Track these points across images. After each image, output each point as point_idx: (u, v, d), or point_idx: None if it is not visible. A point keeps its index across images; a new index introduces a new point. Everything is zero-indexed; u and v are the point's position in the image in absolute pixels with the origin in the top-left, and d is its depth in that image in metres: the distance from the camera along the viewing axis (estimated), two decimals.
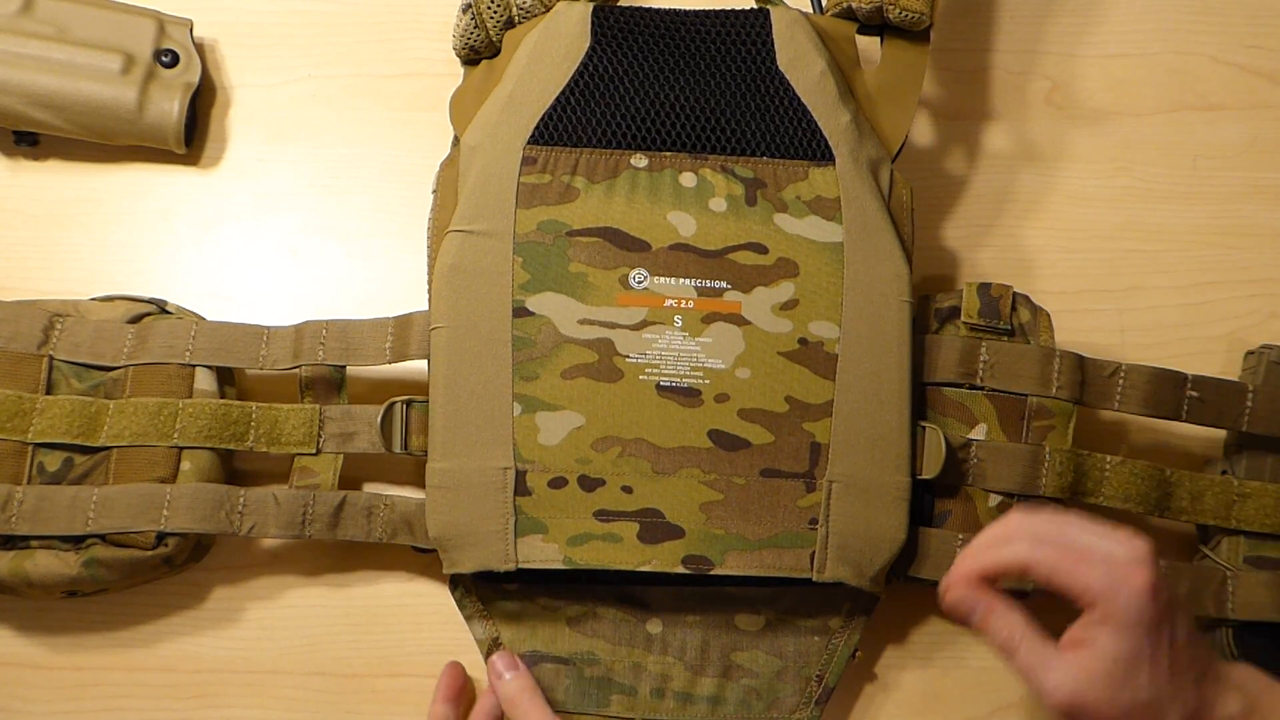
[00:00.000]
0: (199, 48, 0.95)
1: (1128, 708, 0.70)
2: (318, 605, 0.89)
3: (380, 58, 0.99)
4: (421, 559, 0.88)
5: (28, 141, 0.94)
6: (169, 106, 0.92)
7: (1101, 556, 0.71)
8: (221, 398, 0.87)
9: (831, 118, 0.85)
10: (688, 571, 0.80)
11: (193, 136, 0.95)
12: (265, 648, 0.89)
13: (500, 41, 0.88)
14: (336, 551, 0.89)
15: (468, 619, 0.84)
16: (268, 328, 0.87)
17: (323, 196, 0.96)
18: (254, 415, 0.86)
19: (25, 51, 0.90)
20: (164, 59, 0.93)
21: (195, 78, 0.94)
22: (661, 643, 0.84)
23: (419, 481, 0.84)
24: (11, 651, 0.88)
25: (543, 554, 0.80)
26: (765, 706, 0.84)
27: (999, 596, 0.74)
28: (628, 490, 0.81)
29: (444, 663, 0.88)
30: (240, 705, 0.88)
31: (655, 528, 0.81)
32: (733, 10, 0.87)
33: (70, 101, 0.90)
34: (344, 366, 0.87)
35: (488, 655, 0.84)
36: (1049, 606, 0.89)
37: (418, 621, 0.89)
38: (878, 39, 0.89)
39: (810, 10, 0.90)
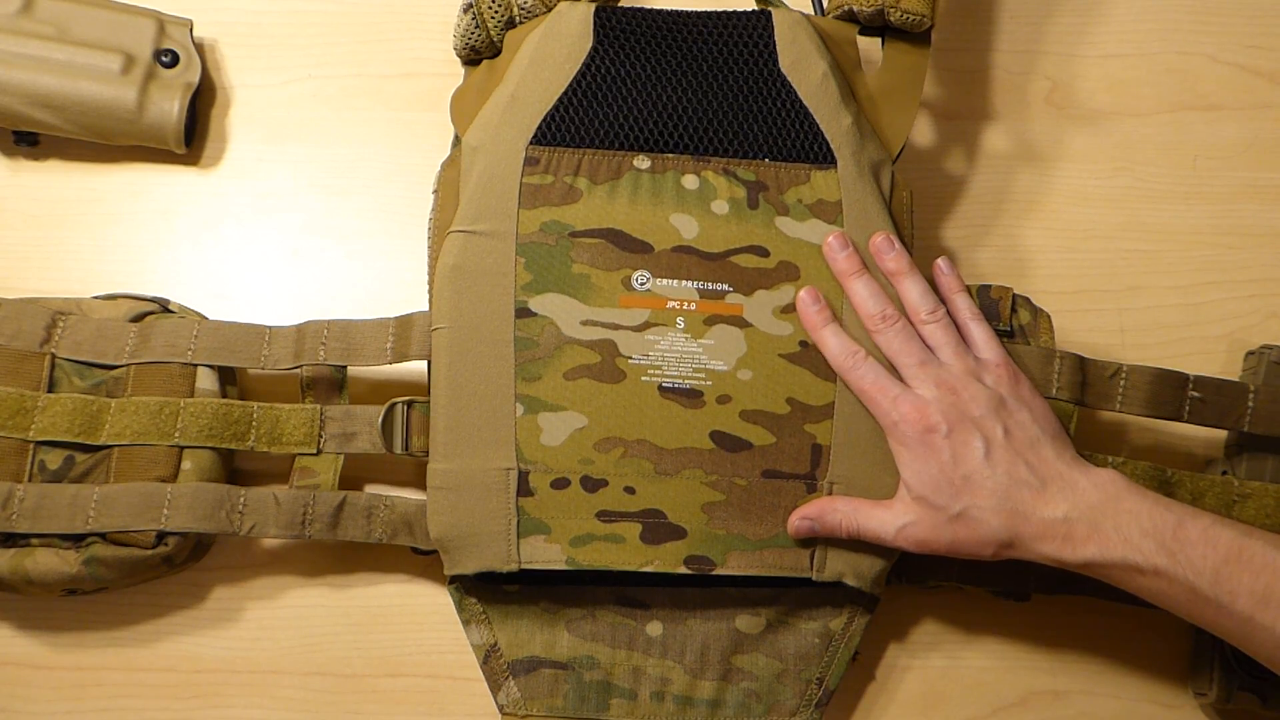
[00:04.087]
0: (199, 48, 0.95)
1: (944, 527, 0.78)
2: (318, 605, 0.89)
3: (380, 58, 0.99)
4: (421, 560, 0.88)
5: (28, 141, 0.94)
6: (169, 106, 0.92)
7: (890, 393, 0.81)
8: (223, 397, 0.86)
9: (833, 120, 0.85)
10: (690, 572, 0.80)
11: (193, 136, 0.95)
12: (265, 648, 0.89)
13: (501, 42, 0.88)
14: (336, 552, 0.89)
15: (465, 623, 0.84)
16: (270, 327, 0.87)
17: (323, 196, 0.96)
18: (255, 415, 0.85)
19: (25, 51, 0.90)
20: (164, 59, 0.93)
21: (195, 78, 0.93)
22: (661, 645, 0.84)
23: (419, 482, 0.84)
24: (11, 651, 0.88)
25: (545, 554, 0.80)
26: (764, 709, 0.84)
27: (824, 500, 0.81)
28: (630, 491, 0.81)
29: (444, 663, 0.88)
30: (240, 705, 0.88)
31: (657, 528, 0.81)
32: (734, 11, 0.87)
33: (70, 101, 0.90)
34: (345, 367, 0.86)
35: (484, 663, 0.84)
36: (1048, 607, 0.90)
37: (418, 622, 0.89)
38: (879, 41, 0.89)
39: (812, 12, 0.89)
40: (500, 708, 0.83)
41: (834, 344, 0.82)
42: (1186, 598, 0.74)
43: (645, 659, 0.84)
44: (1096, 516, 0.76)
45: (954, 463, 0.78)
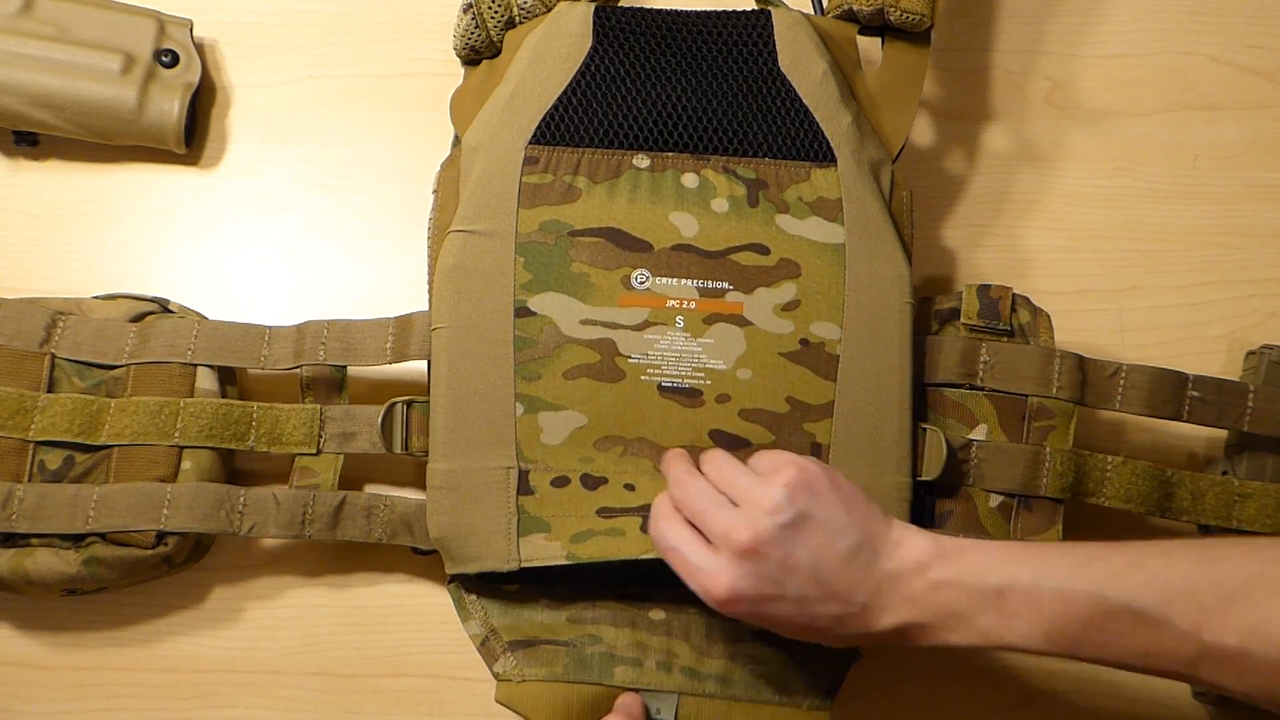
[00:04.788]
0: (199, 48, 0.95)
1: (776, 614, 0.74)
2: (318, 605, 0.89)
3: (380, 58, 0.99)
4: (421, 560, 0.88)
5: (28, 141, 0.94)
6: (169, 106, 0.92)
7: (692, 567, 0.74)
8: (223, 397, 0.86)
9: (833, 119, 0.84)
10: None
11: (193, 136, 0.95)
12: (265, 648, 0.89)
13: (501, 41, 0.88)
14: (336, 552, 0.89)
15: (465, 622, 0.84)
16: (269, 327, 0.87)
17: (323, 196, 0.96)
18: (255, 415, 0.86)
19: (25, 51, 0.90)
20: (164, 59, 0.93)
21: (195, 78, 0.93)
22: (666, 627, 0.83)
23: (419, 482, 0.84)
24: (11, 651, 0.88)
25: (545, 552, 0.80)
26: (775, 691, 0.82)
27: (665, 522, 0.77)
28: (630, 488, 0.81)
29: (444, 663, 0.88)
30: (240, 705, 0.88)
31: None
32: (734, 11, 0.87)
33: (70, 101, 0.90)
34: (345, 367, 0.87)
35: (482, 645, 0.83)
36: None
37: (417, 622, 0.89)
38: (879, 40, 0.89)
39: (811, 12, 0.89)
40: (496, 676, 0.81)
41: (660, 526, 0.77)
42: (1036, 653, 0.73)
43: (650, 636, 0.83)
44: (919, 613, 0.73)
45: (778, 627, 0.75)
